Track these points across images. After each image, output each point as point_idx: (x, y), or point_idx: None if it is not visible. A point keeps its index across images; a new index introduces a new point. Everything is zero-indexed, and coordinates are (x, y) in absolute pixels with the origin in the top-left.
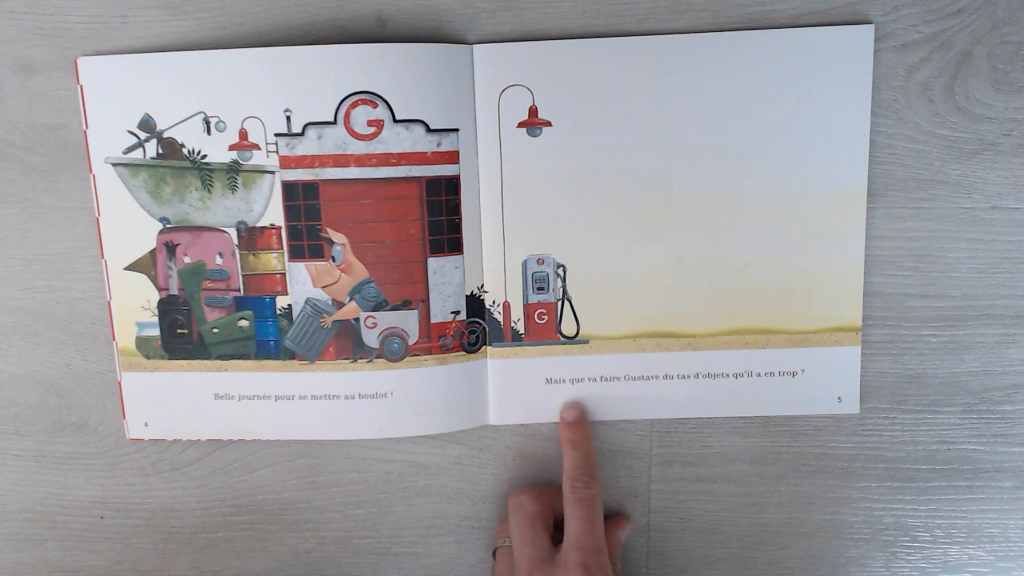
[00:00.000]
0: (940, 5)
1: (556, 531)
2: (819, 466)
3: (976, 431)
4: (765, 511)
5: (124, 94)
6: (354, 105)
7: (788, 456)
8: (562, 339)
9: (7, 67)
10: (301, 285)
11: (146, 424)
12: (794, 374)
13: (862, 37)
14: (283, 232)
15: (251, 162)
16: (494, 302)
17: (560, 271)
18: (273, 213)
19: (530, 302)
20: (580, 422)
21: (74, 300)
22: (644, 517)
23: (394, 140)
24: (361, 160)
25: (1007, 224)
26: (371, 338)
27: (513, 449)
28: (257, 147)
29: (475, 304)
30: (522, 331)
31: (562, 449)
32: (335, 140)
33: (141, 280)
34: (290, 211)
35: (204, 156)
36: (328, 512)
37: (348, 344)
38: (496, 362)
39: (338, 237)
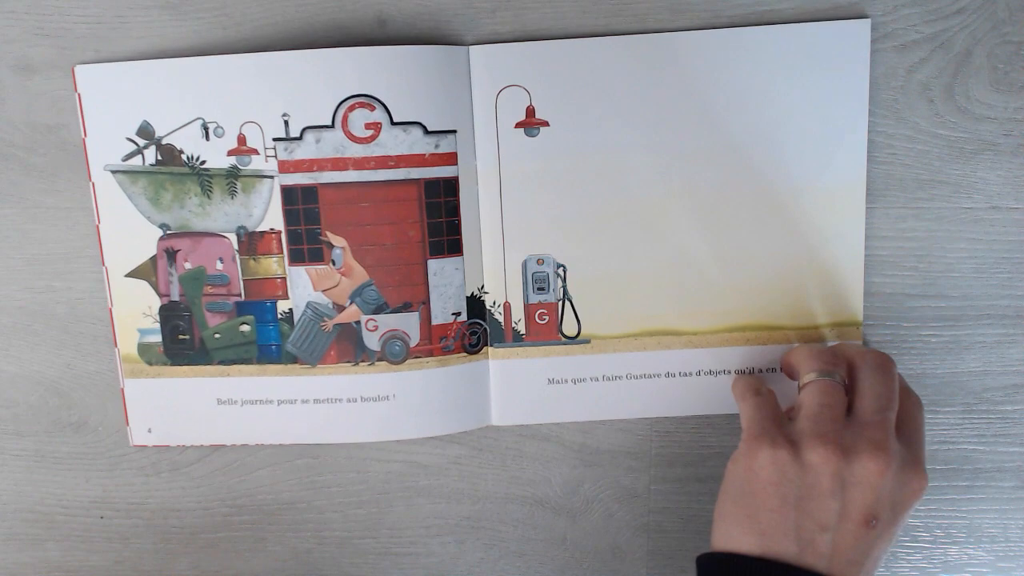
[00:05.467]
0: (940, 5)
1: None
2: None
3: (976, 431)
4: None
5: (122, 101)
6: (351, 108)
7: None
8: (563, 339)
9: (7, 67)
10: (302, 289)
11: (150, 430)
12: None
13: (859, 32)
14: (283, 236)
15: (250, 167)
16: (495, 303)
17: (560, 271)
18: (273, 217)
19: (531, 302)
20: None
21: (74, 300)
22: (644, 517)
23: (392, 142)
24: (359, 163)
25: (1007, 224)
26: (372, 341)
27: (513, 449)
28: (256, 152)
29: (476, 305)
30: (523, 331)
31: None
32: (333, 144)
33: (142, 287)
34: (289, 215)
35: (203, 162)
36: (328, 512)
37: (349, 347)
38: (497, 363)
39: (338, 240)
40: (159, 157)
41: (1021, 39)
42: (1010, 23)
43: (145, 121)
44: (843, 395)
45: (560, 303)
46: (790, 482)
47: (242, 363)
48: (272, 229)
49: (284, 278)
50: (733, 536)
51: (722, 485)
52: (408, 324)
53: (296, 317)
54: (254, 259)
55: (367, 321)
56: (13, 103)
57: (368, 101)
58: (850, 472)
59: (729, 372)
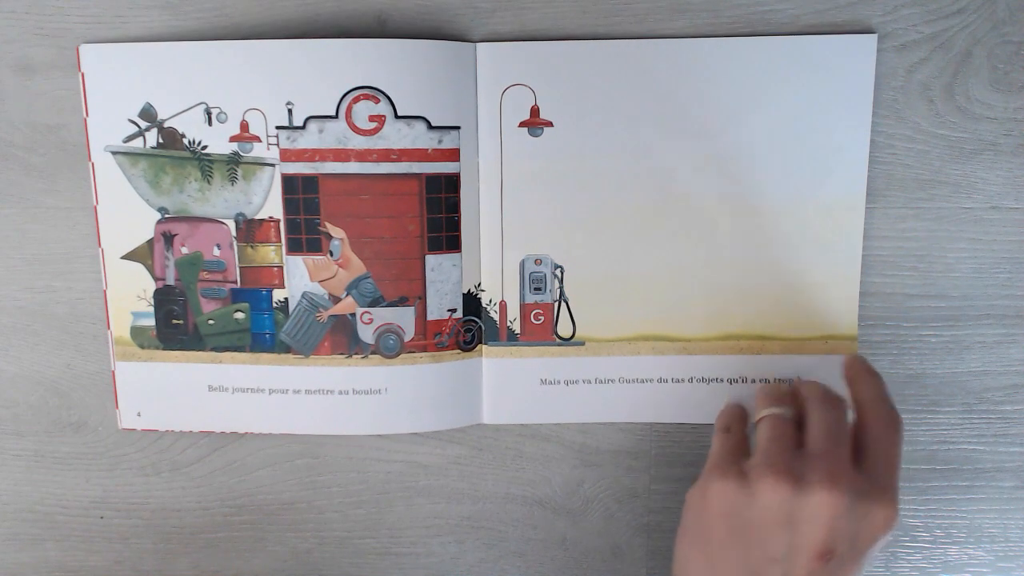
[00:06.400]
0: (940, 5)
1: None
2: None
3: (976, 431)
4: None
5: (126, 82)
6: (356, 100)
7: None
8: (558, 340)
9: (7, 67)
10: (298, 279)
11: (139, 414)
12: (790, 381)
13: (864, 46)
14: (282, 225)
15: (251, 154)
16: (491, 301)
17: (557, 272)
18: (272, 206)
19: (527, 302)
20: None
21: (74, 300)
22: (644, 517)
23: (395, 136)
24: (362, 155)
25: (1007, 224)
26: (367, 334)
27: (513, 449)
28: (258, 139)
29: (472, 303)
30: (518, 331)
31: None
32: (336, 134)
33: (138, 269)
34: (289, 204)
35: (204, 147)
36: (328, 512)
37: (343, 339)
38: (491, 361)
39: (336, 232)
40: (160, 140)
41: (1021, 39)
42: (1010, 23)
43: (148, 103)
44: (792, 429)
45: (556, 304)
46: (738, 513)
47: (235, 350)
48: (271, 217)
49: (281, 267)
50: (688, 567)
51: (681, 517)
52: (403, 319)
53: (291, 307)
54: (252, 247)
55: (362, 314)
56: (13, 103)
57: (373, 93)
58: (800, 504)
59: (722, 380)
